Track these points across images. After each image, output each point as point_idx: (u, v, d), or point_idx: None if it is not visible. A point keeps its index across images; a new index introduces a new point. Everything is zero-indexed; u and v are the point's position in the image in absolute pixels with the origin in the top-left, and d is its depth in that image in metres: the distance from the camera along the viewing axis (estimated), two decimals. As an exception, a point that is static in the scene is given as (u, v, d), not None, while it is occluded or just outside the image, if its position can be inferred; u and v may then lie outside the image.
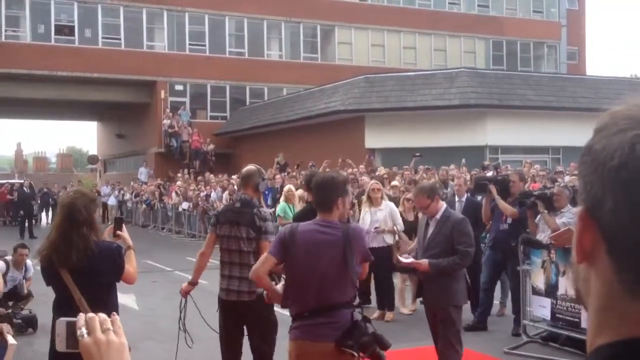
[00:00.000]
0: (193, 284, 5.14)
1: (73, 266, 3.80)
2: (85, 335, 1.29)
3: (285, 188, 11.80)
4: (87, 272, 3.83)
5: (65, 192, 20.25)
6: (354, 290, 3.89)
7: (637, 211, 0.75)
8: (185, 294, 5.12)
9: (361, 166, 17.95)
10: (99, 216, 29.09)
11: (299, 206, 12.46)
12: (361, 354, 3.74)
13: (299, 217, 6.77)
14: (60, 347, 1.39)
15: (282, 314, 4.36)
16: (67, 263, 3.82)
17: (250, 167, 5.23)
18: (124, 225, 4.34)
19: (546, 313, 7.31)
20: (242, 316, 4.78)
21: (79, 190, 4.36)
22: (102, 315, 1.33)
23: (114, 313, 1.38)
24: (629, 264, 0.76)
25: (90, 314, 1.34)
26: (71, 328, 1.35)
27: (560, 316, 7.09)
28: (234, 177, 22.58)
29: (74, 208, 3.88)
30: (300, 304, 3.86)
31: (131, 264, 4.15)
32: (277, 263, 3.88)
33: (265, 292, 4.22)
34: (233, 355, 4.85)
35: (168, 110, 31.16)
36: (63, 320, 1.40)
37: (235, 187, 19.68)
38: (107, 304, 3.88)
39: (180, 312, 5.05)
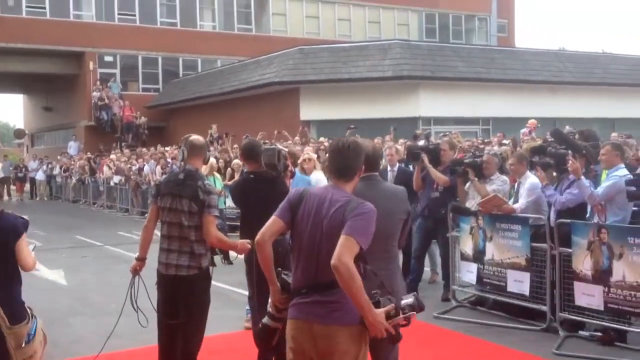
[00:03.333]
0: (141, 259, 4.90)
1: None
2: None
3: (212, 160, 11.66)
4: None
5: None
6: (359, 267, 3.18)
7: None
8: (134, 271, 4.89)
9: (296, 138, 17.94)
10: (27, 192, 28.37)
11: (219, 178, 12.32)
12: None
13: (235, 189, 6.42)
14: None
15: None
16: None
17: (199, 137, 4.98)
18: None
19: (473, 278, 7.52)
20: (178, 291, 4.63)
21: None
22: None
23: None
24: None
25: None
26: None
27: (487, 280, 7.31)
28: (167, 148, 22.21)
29: None
30: (300, 277, 3.37)
31: None
32: (284, 227, 3.39)
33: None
34: (168, 329, 4.72)
35: (98, 82, 30.29)
36: None
37: (169, 159, 19.38)
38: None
39: (129, 290, 4.81)
